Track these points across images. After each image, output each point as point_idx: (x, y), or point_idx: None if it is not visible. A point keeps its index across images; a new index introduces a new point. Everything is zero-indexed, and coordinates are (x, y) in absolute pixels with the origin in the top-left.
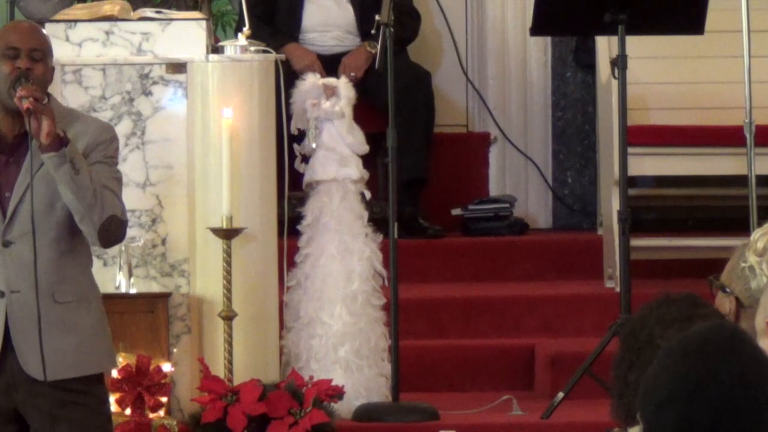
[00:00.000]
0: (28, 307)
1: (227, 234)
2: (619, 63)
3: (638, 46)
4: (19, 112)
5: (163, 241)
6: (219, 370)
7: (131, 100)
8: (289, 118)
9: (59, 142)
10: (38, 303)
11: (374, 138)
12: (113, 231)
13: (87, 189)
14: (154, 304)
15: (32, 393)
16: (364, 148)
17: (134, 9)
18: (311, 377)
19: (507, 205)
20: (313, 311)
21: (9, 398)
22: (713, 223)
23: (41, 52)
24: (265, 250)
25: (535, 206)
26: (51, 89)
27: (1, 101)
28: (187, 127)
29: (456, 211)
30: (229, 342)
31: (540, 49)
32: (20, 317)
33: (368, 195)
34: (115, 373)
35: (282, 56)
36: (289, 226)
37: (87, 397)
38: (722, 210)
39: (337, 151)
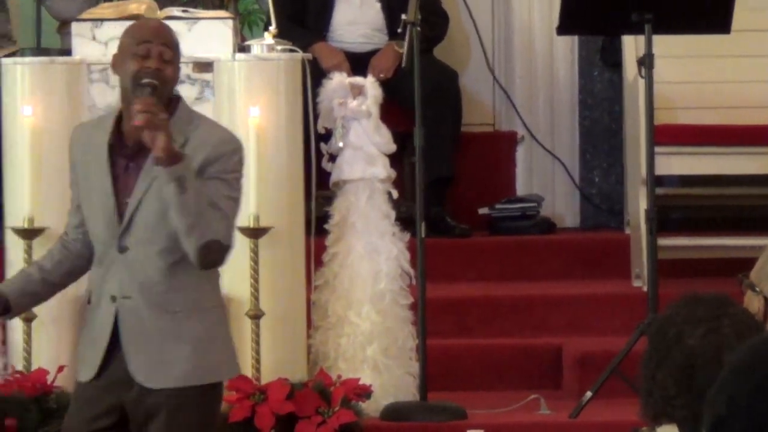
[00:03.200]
0: (137, 314)
1: (254, 233)
2: (646, 62)
3: (665, 45)
4: None
5: None
6: (246, 369)
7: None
8: (316, 117)
9: (171, 158)
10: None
11: (401, 137)
12: (211, 255)
13: (190, 210)
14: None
15: (146, 390)
16: (391, 147)
17: (161, 8)
18: (339, 376)
19: (534, 204)
20: (340, 310)
21: (116, 395)
22: (740, 223)
23: (171, 54)
24: (292, 249)
25: (563, 205)
26: (77, 88)
27: (126, 99)
28: None
29: (483, 210)
30: (257, 341)
31: (567, 48)
32: (130, 323)
33: (395, 194)
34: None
35: (309, 55)
36: (317, 225)
37: (192, 406)
38: (749, 209)
39: (364, 150)
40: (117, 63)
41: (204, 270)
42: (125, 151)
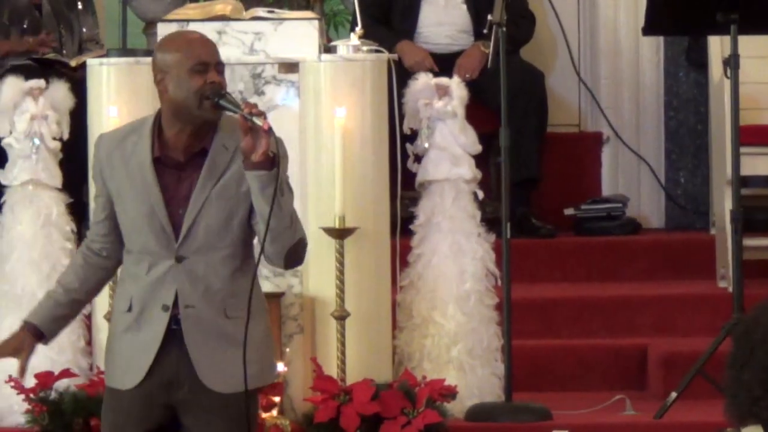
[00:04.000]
0: (201, 321)
1: (340, 234)
2: (731, 63)
3: (751, 45)
4: (198, 128)
5: None
6: (332, 369)
7: (243, 99)
8: (401, 117)
9: (270, 162)
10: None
11: (487, 138)
12: (299, 254)
13: (287, 211)
14: (266, 303)
15: (196, 391)
16: (477, 148)
17: (246, 8)
18: (424, 377)
19: (619, 204)
20: (425, 311)
21: (168, 394)
22: None
23: (222, 66)
24: (377, 250)
25: (648, 206)
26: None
27: (185, 115)
28: (300, 127)
29: (568, 211)
30: (342, 342)
31: (652, 49)
32: (195, 332)
33: (481, 195)
34: None
35: (395, 56)
36: (402, 226)
37: (241, 407)
38: None
39: (450, 151)
40: (167, 79)
41: (287, 268)
42: (172, 161)
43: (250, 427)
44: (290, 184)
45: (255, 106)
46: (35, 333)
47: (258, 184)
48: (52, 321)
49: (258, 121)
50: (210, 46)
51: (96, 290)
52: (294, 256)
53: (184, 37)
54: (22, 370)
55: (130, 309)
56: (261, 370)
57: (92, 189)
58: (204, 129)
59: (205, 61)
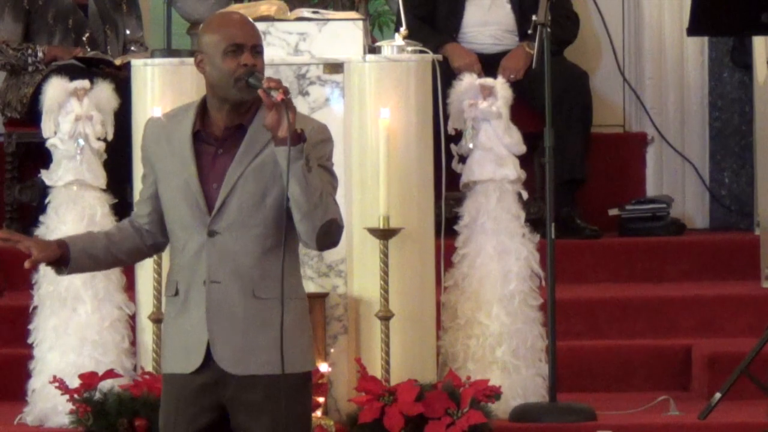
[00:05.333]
0: (226, 298)
1: (384, 234)
2: None
3: None
4: (236, 106)
5: None
6: (376, 370)
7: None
8: (446, 118)
9: (297, 137)
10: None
11: (531, 138)
12: (331, 234)
13: (315, 188)
14: (311, 304)
15: (241, 388)
16: (521, 149)
17: (291, 9)
18: (468, 377)
19: (664, 205)
20: (470, 311)
21: (216, 394)
22: None
23: (260, 47)
24: (422, 251)
25: (692, 207)
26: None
27: (221, 95)
28: (344, 128)
29: (613, 212)
30: (386, 342)
31: (697, 50)
32: (218, 308)
33: (525, 195)
34: None
35: (439, 56)
36: (446, 227)
37: (294, 394)
38: None
39: (495, 152)
40: (205, 60)
41: (320, 250)
42: (212, 138)
43: (298, 413)
44: (332, 169)
45: (277, 81)
46: (63, 252)
47: (285, 159)
48: (82, 251)
49: (274, 94)
50: (246, 28)
51: (131, 255)
52: (326, 237)
53: (222, 18)
54: (32, 263)
55: (176, 293)
56: (289, 354)
57: (136, 187)
58: (243, 108)
59: (239, 43)
